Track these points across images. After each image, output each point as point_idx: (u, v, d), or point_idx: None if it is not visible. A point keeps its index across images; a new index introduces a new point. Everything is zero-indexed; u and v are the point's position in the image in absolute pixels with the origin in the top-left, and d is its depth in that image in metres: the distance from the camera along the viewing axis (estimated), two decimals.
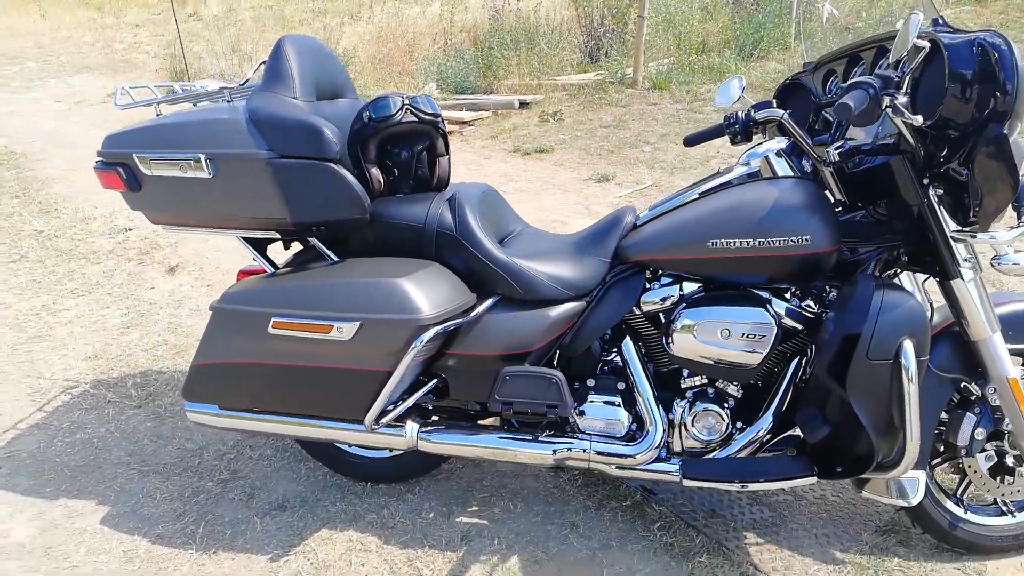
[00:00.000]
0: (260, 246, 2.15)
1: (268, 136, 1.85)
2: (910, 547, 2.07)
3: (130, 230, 4.46)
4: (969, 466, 1.96)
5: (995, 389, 1.86)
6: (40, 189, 5.29)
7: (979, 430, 1.90)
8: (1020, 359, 1.93)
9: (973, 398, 1.93)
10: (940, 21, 1.64)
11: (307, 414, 2.04)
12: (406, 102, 1.96)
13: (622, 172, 5.12)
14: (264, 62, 2.04)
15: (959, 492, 2.04)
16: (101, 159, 2.00)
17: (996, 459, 1.94)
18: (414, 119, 1.97)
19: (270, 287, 1.95)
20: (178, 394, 2.89)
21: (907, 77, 1.59)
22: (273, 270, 2.10)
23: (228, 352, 1.98)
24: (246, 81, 2.14)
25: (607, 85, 7.14)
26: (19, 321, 3.46)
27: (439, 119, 2.02)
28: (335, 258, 2.04)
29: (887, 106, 1.57)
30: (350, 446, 2.34)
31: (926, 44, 1.53)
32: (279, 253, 2.18)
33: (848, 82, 1.60)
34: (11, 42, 12.89)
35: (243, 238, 2.09)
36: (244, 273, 2.21)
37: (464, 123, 6.60)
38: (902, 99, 1.56)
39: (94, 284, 3.81)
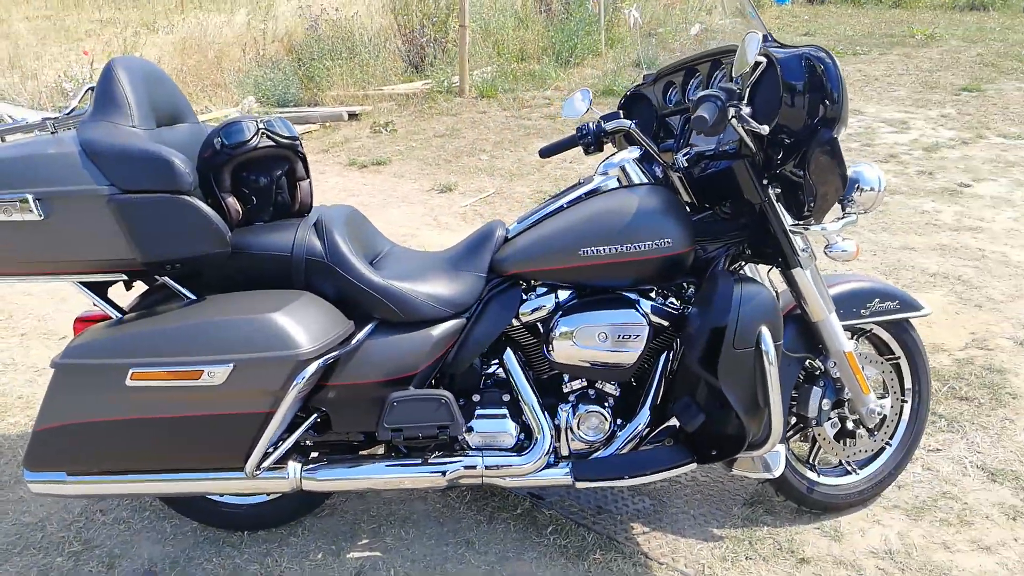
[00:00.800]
0: (99, 289, 1.94)
1: (108, 170, 1.68)
2: (775, 515, 2.27)
3: None
4: (819, 434, 2.18)
5: (835, 363, 2.08)
6: None
7: (825, 401, 2.12)
8: (849, 333, 2.18)
9: (817, 373, 2.14)
10: (769, 37, 1.81)
11: (177, 468, 1.87)
12: (260, 126, 1.86)
13: (463, 181, 5.17)
14: (91, 87, 1.85)
15: (810, 458, 2.26)
16: None
17: (840, 425, 2.18)
18: (271, 143, 1.87)
19: (124, 335, 1.76)
20: (4, 462, 2.54)
21: (746, 89, 1.74)
22: (119, 315, 1.91)
23: (78, 412, 1.77)
24: (72, 110, 1.92)
25: (435, 94, 7.18)
26: None
27: (298, 142, 1.94)
28: (192, 296, 1.89)
29: (733, 116, 1.71)
30: (222, 495, 2.17)
31: (763, 59, 1.69)
32: (120, 295, 1.98)
33: (696, 96, 1.72)
34: None
35: (81, 282, 1.88)
36: (82, 321, 1.98)
37: None
38: (746, 110, 1.71)
39: None
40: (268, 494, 2.17)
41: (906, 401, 2.29)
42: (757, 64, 1.70)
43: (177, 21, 12.28)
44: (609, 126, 2.11)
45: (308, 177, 2.00)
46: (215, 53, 9.67)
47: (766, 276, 2.20)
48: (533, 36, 8.78)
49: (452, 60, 7.72)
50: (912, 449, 2.31)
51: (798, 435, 2.26)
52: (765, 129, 1.70)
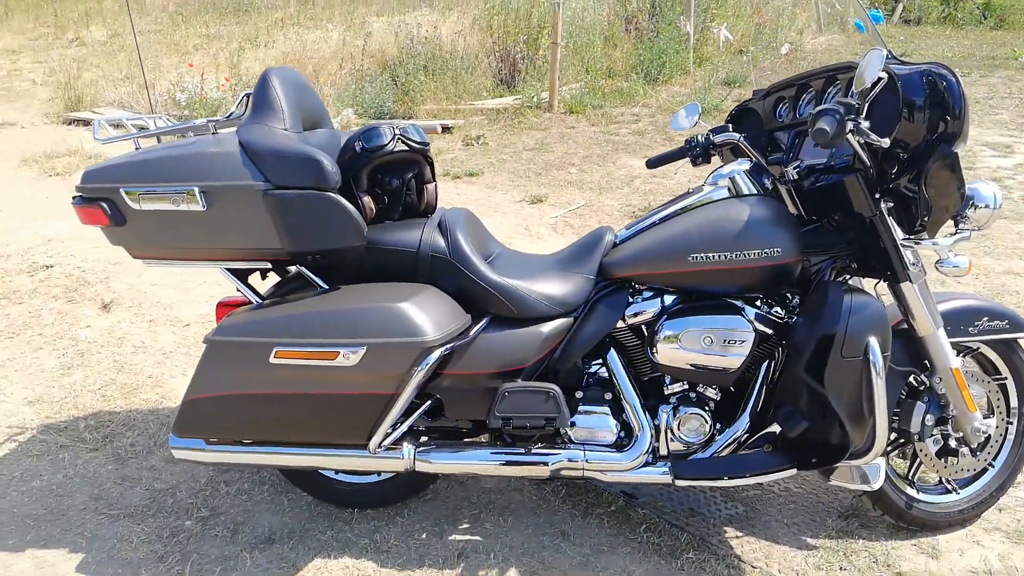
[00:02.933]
0: (242, 276, 2.14)
1: (264, 167, 1.86)
2: (871, 528, 2.28)
3: (51, 267, 4.22)
4: (920, 450, 2.18)
5: (941, 379, 2.09)
6: None
7: (928, 417, 2.12)
8: (957, 350, 2.18)
9: (922, 388, 2.15)
10: (890, 55, 1.86)
11: (307, 442, 2.04)
12: (397, 132, 2.02)
13: (553, 193, 5.29)
14: (248, 94, 2.05)
15: (910, 475, 2.26)
16: (81, 194, 1.94)
17: (942, 442, 2.17)
18: (405, 148, 2.03)
19: (269, 317, 1.94)
20: (137, 434, 2.78)
21: (865, 104, 1.79)
22: (259, 300, 2.09)
23: (226, 384, 1.95)
24: (231, 114, 2.13)
25: (525, 109, 7.35)
26: None
27: (428, 147, 2.09)
28: (324, 285, 2.06)
29: (851, 130, 1.77)
30: (336, 472, 2.33)
31: (884, 75, 1.74)
32: (256, 283, 2.17)
33: (815, 110, 1.79)
34: None
35: (228, 269, 2.08)
36: (224, 306, 2.18)
37: None
38: (865, 124, 1.76)
39: (21, 326, 3.59)
40: (379, 474, 2.32)
41: (1011, 422, 2.27)
42: (879, 79, 1.75)
43: (278, 37, 12.91)
44: (718, 138, 2.20)
45: (435, 180, 2.15)
46: (314, 67, 10.15)
47: (873, 290, 2.22)
48: (621, 54, 8.88)
49: (542, 76, 7.89)
50: (1016, 472, 2.29)
51: (898, 451, 2.27)
52: (886, 142, 1.75)
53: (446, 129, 7.00)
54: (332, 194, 1.88)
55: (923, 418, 2.12)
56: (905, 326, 2.08)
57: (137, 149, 2.02)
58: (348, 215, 1.90)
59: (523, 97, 7.57)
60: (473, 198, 5.27)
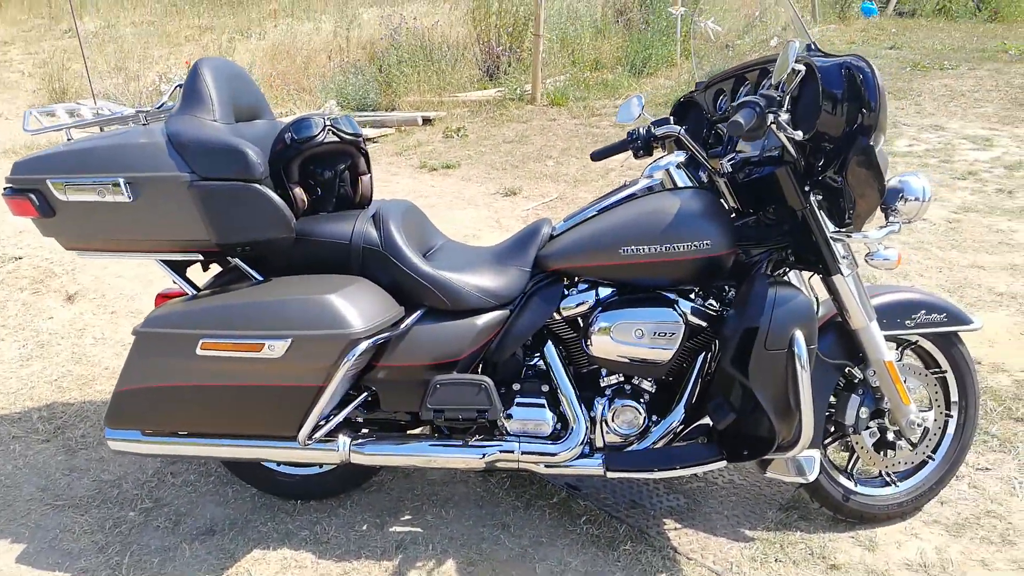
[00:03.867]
0: (178, 268, 2.14)
1: (190, 159, 1.86)
2: (810, 520, 2.28)
3: (20, 259, 4.23)
4: (856, 443, 2.18)
5: (875, 372, 2.09)
6: None
7: (863, 409, 2.13)
8: (894, 344, 2.18)
9: (856, 381, 2.15)
10: (813, 46, 1.86)
11: (238, 434, 2.04)
12: (327, 123, 2.02)
13: (528, 186, 5.29)
14: (180, 85, 2.05)
15: (849, 467, 2.26)
16: (10, 185, 1.94)
17: (879, 435, 2.17)
18: (336, 139, 2.02)
19: (197, 308, 1.95)
20: (89, 425, 2.79)
21: (787, 96, 1.79)
22: (195, 292, 2.10)
23: (154, 376, 1.96)
24: (162, 104, 2.13)
25: (507, 102, 7.34)
26: None
27: (360, 139, 2.09)
28: (259, 277, 2.06)
29: (771, 123, 1.77)
30: (279, 465, 2.34)
31: (802, 68, 1.74)
32: (197, 275, 2.17)
33: (737, 101, 1.78)
34: None
35: (163, 261, 2.08)
36: (163, 297, 2.19)
37: (368, 140, 6.61)
38: (784, 116, 1.76)
39: None
40: (320, 466, 2.33)
41: (951, 416, 2.26)
42: (796, 72, 1.74)
43: (269, 28, 12.89)
44: (659, 131, 2.19)
45: (369, 172, 2.15)
46: (303, 59, 10.13)
47: (807, 283, 2.22)
48: (610, 46, 8.85)
49: (527, 68, 7.87)
50: (956, 465, 2.28)
51: (837, 443, 2.27)
52: (799, 135, 1.75)
53: (427, 121, 6.99)
54: (258, 185, 1.87)
55: (857, 411, 2.13)
56: (840, 319, 2.08)
57: (68, 140, 2.02)
58: (274, 206, 1.89)
59: (506, 89, 7.55)
60: (447, 190, 5.27)
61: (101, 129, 2.17)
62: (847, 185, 1.80)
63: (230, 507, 2.38)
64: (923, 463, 2.27)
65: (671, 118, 2.29)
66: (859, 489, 2.24)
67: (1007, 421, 2.70)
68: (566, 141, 6.27)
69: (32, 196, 1.91)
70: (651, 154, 2.27)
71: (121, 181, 1.86)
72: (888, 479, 2.27)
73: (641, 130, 2.23)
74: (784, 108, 1.78)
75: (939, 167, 5.35)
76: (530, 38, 7.62)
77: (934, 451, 2.27)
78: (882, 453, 2.20)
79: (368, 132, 6.78)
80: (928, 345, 2.23)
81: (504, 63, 8.16)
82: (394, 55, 8.10)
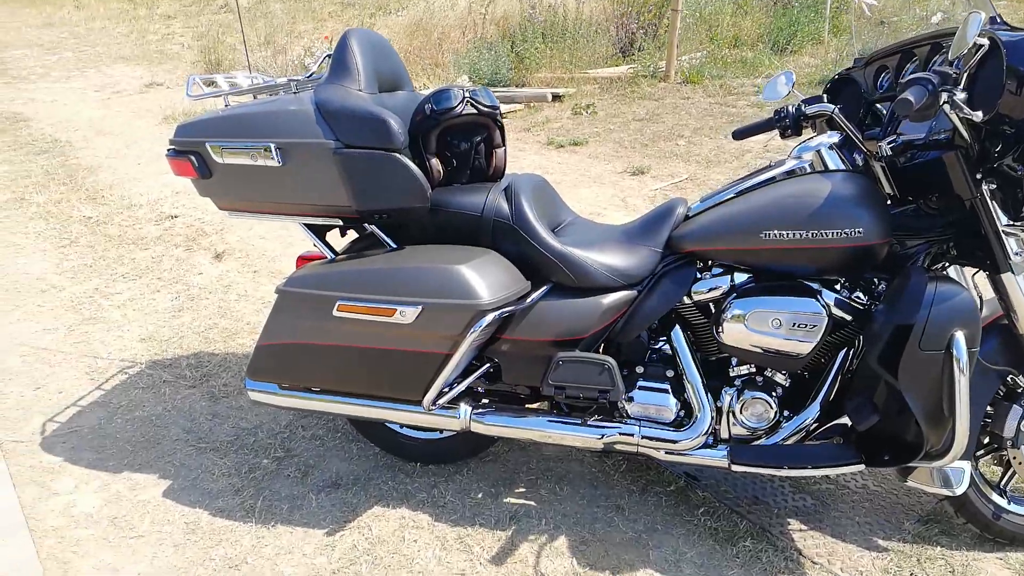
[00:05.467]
0: (319, 232, 2.22)
1: (336, 126, 1.92)
2: (953, 536, 2.11)
3: (176, 217, 4.57)
4: (1014, 457, 1.99)
5: None
6: (86, 177, 5.42)
7: None
8: None
9: (1020, 390, 1.95)
10: (998, 19, 1.67)
11: (366, 395, 2.12)
12: (466, 95, 2.02)
13: (657, 165, 5.15)
14: (329, 55, 2.12)
15: (1002, 483, 2.07)
16: (173, 147, 2.08)
17: None
18: (474, 111, 2.03)
19: (335, 271, 2.02)
20: (231, 375, 2.98)
21: (964, 74, 1.62)
22: (333, 256, 2.18)
23: (293, 333, 2.06)
24: (311, 74, 2.21)
25: (639, 79, 7.16)
26: (74, 304, 3.58)
27: (497, 111, 2.08)
28: (394, 245, 2.11)
29: (945, 102, 1.61)
30: (402, 427, 2.41)
31: (985, 42, 1.57)
32: (336, 240, 2.25)
33: (906, 78, 1.63)
34: (48, 33, 13.15)
35: (305, 224, 2.17)
36: (303, 259, 2.29)
37: None
38: (960, 95, 1.59)
39: (144, 269, 3.93)
40: (440, 432, 2.37)
41: None
42: (979, 47, 1.57)
43: (409, 4, 13.20)
44: (810, 110, 2.05)
45: (504, 145, 2.15)
46: (438, 35, 10.31)
47: (971, 280, 2.03)
48: (751, 23, 8.44)
49: (662, 45, 7.64)
50: None
51: (990, 456, 2.08)
52: (979, 116, 1.58)
53: (557, 97, 6.94)
54: (397, 155, 1.91)
55: (1019, 423, 1.93)
56: (1005, 321, 1.89)
57: (227, 106, 2.14)
58: (412, 176, 1.93)
59: (638, 66, 7.37)
60: (573, 167, 5.22)
61: (255, 97, 2.29)
62: None
63: (354, 463, 2.48)
64: None
65: (824, 96, 2.15)
66: (1012, 508, 2.05)
67: None
68: (699, 120, 6.05)
69: (192, 158, 2.04)
70: (800, 134, 2.14)
71: (272, 146, 1.95)
72: None
73: (790, 108, 2.10)
74: (960, 86, 1.61)
75: None
76: (668, 14, 7.38)
77: None
78: None
79: None
80: None
81: (639, 40, 7.95)
82: (529, 30, 8.06)
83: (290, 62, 8.98)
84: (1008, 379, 1.96)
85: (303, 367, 2.09)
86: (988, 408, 1.98)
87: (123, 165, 5.65)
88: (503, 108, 6.76)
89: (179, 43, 12.08)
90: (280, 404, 2.22)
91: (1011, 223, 1.77)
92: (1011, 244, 1.78)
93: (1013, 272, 1.79)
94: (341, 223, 2.16)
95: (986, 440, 2.02)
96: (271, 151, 1.95)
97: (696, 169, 5.04)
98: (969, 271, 2.02)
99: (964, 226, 1.83)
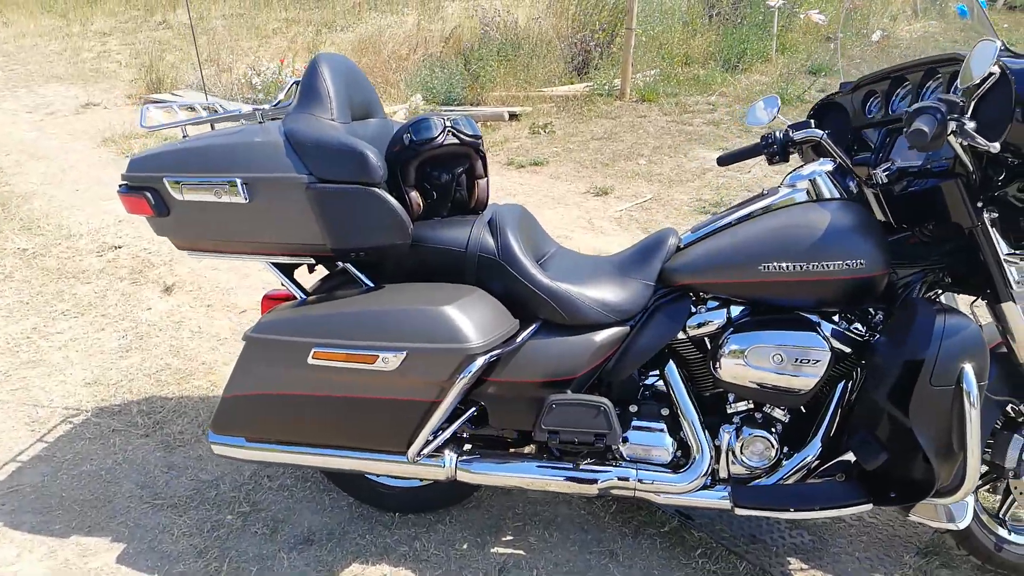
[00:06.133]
0: (287, 271, 2.07)
1: (308, 159, 1.78)
2: (954, 568, 2.06)
3: (120, 247, 4.31)
4: (1016, 487, 1.95)
5: None
6: (20, 205, 5.09)
7: None
8: None
9: (1020, 419, 1.92)
10: (1002, 46, 1.63)
11: (345, 445, 1.96)
12: (447, 124, 1.91)
13: (620, 185, 5.11)
14: (297, 81, 1.97)
15: (1001, 512, 2.03)
16: (126, 183, 1.90)
17: None
18: (456, 141, 1.91)
19: (309, 315, 1.87)
20: (187, 421, 2.78)
21: (971, 102, 1.57)
22: (303, 296, 2.02)
23: (263, 383, 1.89)
24: (278, 102, 2.06)
25: (595, 97, 7.15)
26: (10, 345, 3.31)
27: (480, 141, 1.97)
28: (370, 283, 1.98)
29: (952, 131, 1.56)
30: (378, 475, 2.26)
31: (997, 70, 1.53)
32: (304, 277, 2.10)
33: (913, 107, 1.58)
34: None
35: (272, 263, 2.01)
36: (269, 299, 2.13)
37: None
38: (970, 124, 1.55)
39: (86, 305, 3.67)
40: (422, 480, 2.23)
41: None
42: (988, 75, 1.53)
43: (354, 21, 13.01)
44: (798, 135, 2.01)
45: (486, 175, 2.03)
46: (388, 52, 10.16)
47: (969, 308, 2.00)
48: (701, 41, 8.54)
49: (616, 63, 7.65)
50: None
51: (988, 485, 2.04)
52: (996, 147, 1.53)
53: (513, 116, 6.87)
54: (376, 189, 1.78)
55: (1020, 453, 1.89)
56: (1004, 349, 1.85)
57: (184, 137, 1.97)
58: (393, 211, 1.80)
59: (594, 84, 7.36)
60: (536, 189, 5.13)
61: (212, 127, 2.12)
62: None
63: (327, 515, 2.32)
64: None
65: (811, 121, 2.10)
66: (1013, 538, 2.01)
67: None
68: (657, 139, 6.05)
69: (148, 194, 1.87)
70: (787, 160, 2.09)
71: (238, 181, 1.79)
72: None
73: (777, 133, 2.05)
74: (968, 115, 1.57)
75: None
76: (623, 33, 7.40)
77: None
78: None
79: None
80: None
81: (594, 58, 7.95)
82: (482, 48, 7.99)
83: (236, 81, 8.71)
84: (1008, 408, 1.92)
85: (275, 419, 1.93)
86: (988, 439, 1.94)
87: (60, 192, 5.34)
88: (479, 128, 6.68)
89: (116, 61, 11.63)
90: (249, 458, 2.05)
91: (1012, 251, 1.73)
92: (1012, 273, 1.74)
93: (1014, 301, 1.75)
94: (313, 261, 2.01)
95: (984, 470, 1.98)
96: (237, 187, 1.80)
97: (659, 189, 5.01)
98: (963, 298, 1.98)
99: (961, 254, 1.79)
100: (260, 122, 1.97)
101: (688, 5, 9.42)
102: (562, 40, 8.14)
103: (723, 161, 2.21)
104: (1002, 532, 2.00)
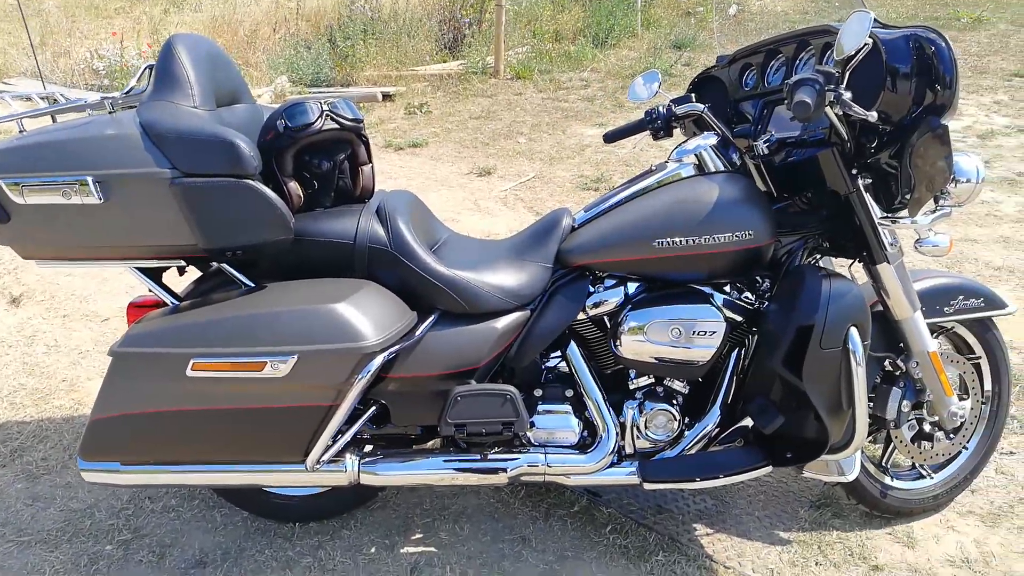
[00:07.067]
0: (154, 275, 1.88)
1: (170, 152, 1.61)
2: (844, 518, 2.18)
3: None
4: (896, 436, 2.08)
5: (917, 363, 1.98)
6: None
7: (904, 402, 2.02)
8: (931, 331, 2.07)
9: (898, 373, 2.04)
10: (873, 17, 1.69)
11: (236, 460, 1.82)
12: (325, 108, 1.78)
13: (502, 164, 5.07)
14: (150, 66, 1.78)
15: (883, 461, 2.16)
16: None
17: (917, 427, 2.07)
18: (335, 126, 1.79)
19: (184, 323, 1.70)
20: (50, 446, 2.51)
21: (846, 73, 1.62)
22: (175, 302, 1.85)
23: (136, 402, 1.71)
24: (130, 89, 1.85)
25: (470, 75, 7.07)
26: None
27: (361, 124, 1.86)
28: (250, 283, 1.83)
29: (831, 101, 1.60)
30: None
31: (869, 41, 1.57)
32: (174, 280, 1.92)
33: (793, 79, 1.61)
34: None
35: (137, 267, 1.82)
36: (136, 307, 1.93)
37: None
38: (847, 95, 1.59)
39: None
40: (327, 486, 2.11)
41: (985, 403, 2.18)
42: (861, 47, 1.58)
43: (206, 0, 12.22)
44: (680, 110, 2.02)
45: (371, 161, 1.92)
46: (245, 32, 9.60)
47: (848, 271, 2.09)
48: (570, 17, 8.61)
49: (487, 41, 7.59)
50: (989, 453, 2.21)
51: (871, 437, 2.16)
52: (873, 116, 1.59)
53: (387, 97, 6.68)
54: (251, 181, 1.63)
55: (899, 404, 2.02)
56: (880, 308, 1.95)
57: (21, 132, 1.74)
58: (271, 204, 1.66)
59: (468, 62, 7.27)
60: (418, 171, 5.01)
61: (54, 119, 1.89)
62: (911, 168, 1.66)
63: (220, 534, 2.16)
64: (957, 453, 2.19)
65: (692, 95, 2.12)
66: (896, 484, 2.15)
67: None
68: (535, 116, 6.05)
69: None
70: (671, 135, 2.11)
71: (89, 180, 1.60)
72: (923, 471, 2.18)
73: (660, 108, 2.06)
74: (844, 85, 1.61)
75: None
76: (492, 9, 7.33)
77: (968, 440, 2.19)
78: (919, 445, 2.10)
79: None
80: (964, 331, 2.13)
81: (466, 35, 7.85)
82: (349, 27, 7.70)
83: (76, 67, 7.97)
84: (886, 363, 2.04)
85: (154, 439, 1.76)
86: (870, 393, 2.05)
87: None
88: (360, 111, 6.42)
89: None
90: (127, 483, 1.86)
91: (885, 215, 1.82)
92: (886, 235, 1.83)
93: (889, 262, 1.85)
94: (183, 263, 1.84)
95: (870, 423, 2.10)
96: (89, 186, 1.60)
97: (542, 167, 5.01)
98: (843, 261, 2.08)
99: (839, 220, 1.86)
100: (111, 112, 1.76)
101: None
102: (431, 17, 7.98)
103: (609, 138, 2.20)
104: (886, 480, 2.13)
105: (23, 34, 9.72)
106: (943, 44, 1.56)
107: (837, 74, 1.61)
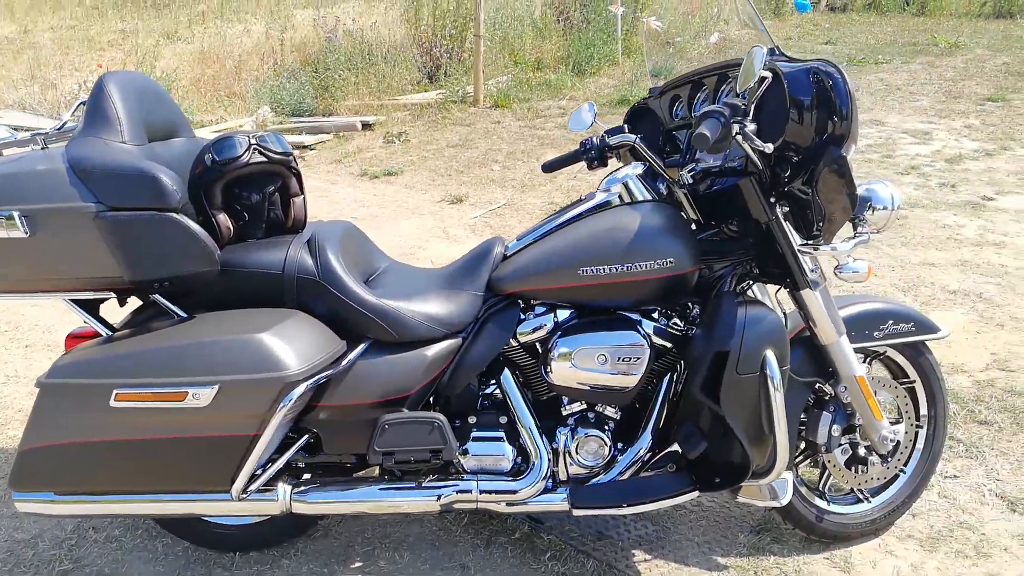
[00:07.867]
0: (91, 306, 1.91)
1: (95, 187, 1.65)
2: (783, 543, 2.18)
3: None
4: (829, 461, 2.09)
5: (846, 388, 2.00)
6: None
7: (835, 427, 2.04)
8: (861, 356, 2.09)
9: (827, 397, 2.06)
10: (776, 50, 1.75)
11: (164, 490, 1.83)
12: (252, 141, 1.82)
13: (474, 192, 5.13)
14: (83, 102, 1.83)
15: (821, 485, 2.17)
16: None
17: (851, 451, 2.09)
18: (263, 159, 1.83)
19: (109, 354, 1.73)
20: (1, 477, 2.52)
21: (751, 105, 1.67)
22: (109, 333, 1.88)
23: (63, 432, 1.73)
24: (63, 125, 1.90)
25: (449, 104, 7.16)
26: None
27: (291, 157, 1.90)
28: (182, 314, 1.86)
29: (737, 133, 1.65)
30: (212, 516, 2.13)
31: (768, 74, 1.62)
32: (113, 311, 1.95)
33: (699, 111, 1.66)
34: None
35: (72, 299, 1.85)
36: (73, 338, 1.95)
37: (305, 147, 6.36)
38: (751, 127, 1.64)
39: None
40: (259, 515, 2.12)
41: (921, 427, 2.20)
42: (763, 79, 1.63)
43: (198, 31, 12.40)
44: (613, 140, 2.06)
45: (302, 193, 1.96)
46: (234, 63, 9.74)
47: (774, 297, 2.12)
48: (551, 46, 8.74)
49: (468, 70, 7.70)
50: (927, 477, 2.22)
51: (807, 461, 2.18)
52: (769, 148, 1.63)
53: (366, 126, 6.76)
54: (174, 215, 1.67)
55: (829, 428, 2.03)
56: (808, 334, 1.98)
57: None
58: (193, 237, 1.69)
59: (447, 91, 7.37)
60: (391, 199, 5.06)
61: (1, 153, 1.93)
62: (817, 196, 1.70)
63: (160, 564, 2.16)
64: (895, 477, 2.20)
65: (625, 126, 2.17)
66: (832, 508, 2.16)
67: (970, 424, 2.66)
68: (511, 144, 6.12)
69: None
70: (606, 164, 2.15)
71: (15, 214, 1.63)
72: (860, 495, 2.19)
73: (595, 139, 2.11)
74: (750, 117, 1.66)
75: (882, 162, 5.39)
76: (472, 39, 7.45)
77: (905, 464, 2.20)
78: (853, 470, 2.12)
79: (305, 139, 6.51)
80: (896, 356, 2.15)
81: (445, 64, 7.96)
82: (331, 57, 7.81)
83: (63, 99, 8.07)
84: (816, 388, 2.06)
85: (80, 469, 1.77)
86: (802, 416, 2.08)
87: None
88: (310, 139, 6.51)
89: None
90: (60, 513, 1.89)
91: (805, 242, 1.86)
92: (807, 262, 1.87)
93: (811, 288, 1.88)
94: (114, 295, 1.87)
95: (802, 446, 2.12)
96: (15, 219, 1.64)
97: (513, 194, 5.07)
98: (772, 288, 2.11)
99: (764, 247, 1.89)
100: (42, 148, 1.81)
101: (540, 11, 9.63)
102: (411, 46, 8.10)
103: (547, 168, 2.24)
104: (821, 504, 2.14)
105: (12, 68, 9.87)
106: (839, 77, 1.61)
107: (744, 106, 1.65)
